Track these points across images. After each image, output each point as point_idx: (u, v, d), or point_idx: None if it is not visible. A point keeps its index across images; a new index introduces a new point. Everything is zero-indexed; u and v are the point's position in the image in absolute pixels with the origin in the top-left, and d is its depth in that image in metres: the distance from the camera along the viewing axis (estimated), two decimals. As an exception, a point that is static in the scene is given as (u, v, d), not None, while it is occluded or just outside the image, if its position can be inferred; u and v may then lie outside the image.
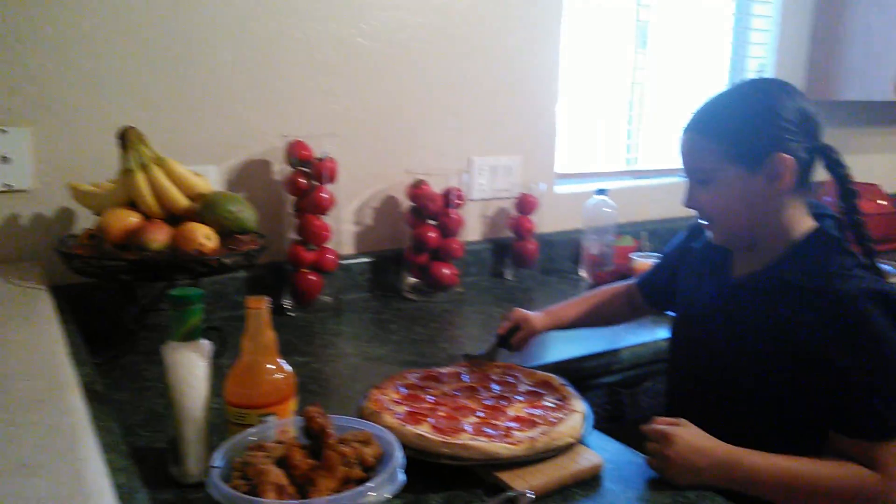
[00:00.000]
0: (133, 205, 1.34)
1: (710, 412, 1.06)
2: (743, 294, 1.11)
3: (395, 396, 1.10)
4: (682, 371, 1.25)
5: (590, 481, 0.96)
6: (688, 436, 0.96)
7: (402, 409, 1.05)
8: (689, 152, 1.11)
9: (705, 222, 1.14)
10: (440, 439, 0.94)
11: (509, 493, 0.82)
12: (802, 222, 1.09)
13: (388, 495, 0.77)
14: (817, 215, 1.12)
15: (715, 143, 1.06)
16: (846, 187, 1.09)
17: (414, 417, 1.02)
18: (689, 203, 1.13)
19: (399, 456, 0.82)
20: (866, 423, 0.98)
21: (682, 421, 0.99)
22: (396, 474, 0.79)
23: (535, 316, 1.35)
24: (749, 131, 1.04)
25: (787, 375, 1.04)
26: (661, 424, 0.98)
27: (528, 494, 0.77)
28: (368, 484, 0.76)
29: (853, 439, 0.99)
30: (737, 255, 1.17)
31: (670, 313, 1.35)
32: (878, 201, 2.56)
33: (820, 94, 2.74)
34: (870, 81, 2.58)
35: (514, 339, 1.32)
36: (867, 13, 2.58)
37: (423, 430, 0.97)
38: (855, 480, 0.96)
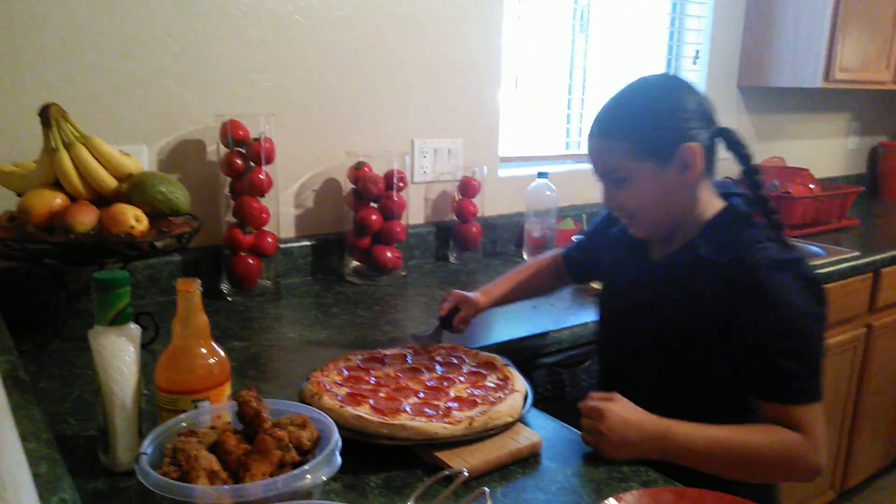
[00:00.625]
0: (58, 185, 1.28)
1: (640, 386, 1.09)
2: (662, 274, 1.15)
3: (337, 378, 1.09)
4: (612, 348, 1.28)
5: (529, 459, 0.97)
6: (619, 410, 0.98)
7: (343, 390, 1.05)
8: (599, 156, 1.13)
9: (627, 219, 1.16)
10: (379, 420, 0.94)
11: (445, 472, 0.82)
12: (712, 203, 1.13)
13: (324, 478, 0.76)
14: (725, 195, 1.16)
15: (624, 143, 1.08)
16: (748, 165, 1.12)
17: (354, 399, 1.02)
18: (610, 204, 1.15)
19: (336, 439, 0.81)
20: (780, 387, 1.01)
21: (615, 395, 1.01)
22: (333, 457, 0.78)
23: (473, 296, 1.36)
24: (654, 127, 1.07)
25: (707, 346, 1.08)
26: (595, 400, 1.00)
27: (463, 472, 0.77)
28: (304, 467, 0.75)
29: (771, 403, 1.02)
30: (652, 242, 1.20)
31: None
32: (809, 185, 2.65)
33: (753, 80, 2.83)
34: (800, 69, 2.67)
35: (456, 319, 1.33)
36: (796, 2, 2.66)
37: (363, 411, 0.97)
38: (782, 445, 1.00)
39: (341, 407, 0.97)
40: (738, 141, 1.12)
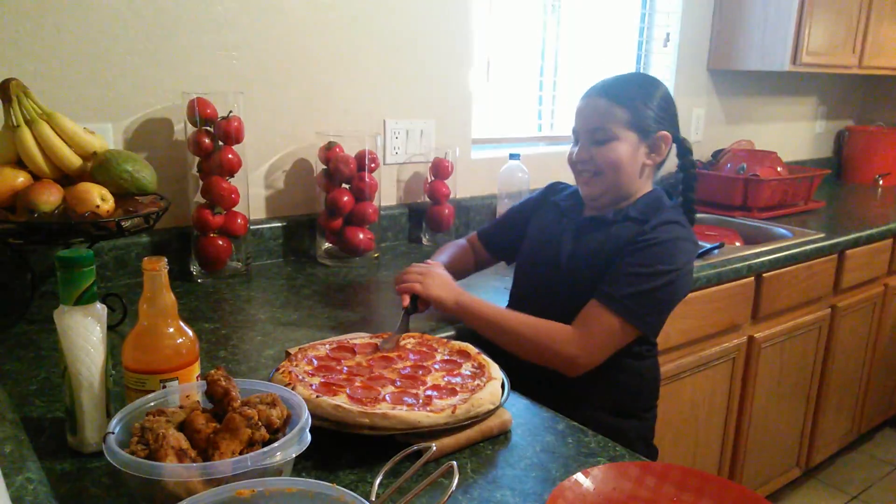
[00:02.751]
0: (20, 163, 1.25)
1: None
2: (589, 227, 1.34)
3: (308, 368, 1.06)
4: (524, 289, 1.44)
5: (499, 437, 0.98)
6: (440, 274, 1.33)
7: (316, 380, 1.01)
8: (596, 113, 1.30)
9: (590, 175, 1.31)
10: (358, 409, 0.91)
11: (414, 447, 0.82)
12: (647, 187, 1.35)
13: (294, 455, 0.76)
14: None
15: (624, 110, 1.27)
16: (689, 171, 1.40)
17: (329, 388, 0.99)
18: (583, 155, 1.32)
19: (306, 417, 0.81)
20: (604, 288, 1.22)
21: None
22: (303, 435, 0.78)
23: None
24: (650, 107, 1.28)
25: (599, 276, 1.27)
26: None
27: (432, 447, 0.78)
28: (274, 445, 0.75)
29: (594, 298, 1.22)
30: (589, 208, 1.38)
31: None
32: (777, 168, 2.69)
33: (723, 63, 2.85)
34: (768, 52, 2.70)
35: (420, 303, 1.33)
36: (766, -14, 2.68)
37: (340, 400, 0.94)
38: (547, 331, 1.22)
39: (317, 397, 0.93)
40: (689, 149, 1.39)
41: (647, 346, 1.33)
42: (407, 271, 1.35)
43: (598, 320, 1.21)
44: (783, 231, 2.37)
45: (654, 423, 1.41)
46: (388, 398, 0.98)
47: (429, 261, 1.45)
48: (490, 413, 0.98)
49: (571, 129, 1.36)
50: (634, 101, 1.27)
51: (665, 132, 1.29)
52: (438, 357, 1.14)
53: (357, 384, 1.02)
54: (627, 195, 1.33)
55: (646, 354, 1.34)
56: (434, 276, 1.32)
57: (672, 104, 1.32)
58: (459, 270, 1.50)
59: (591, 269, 1.27)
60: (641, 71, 2.78)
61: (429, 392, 1.01)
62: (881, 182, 3.40)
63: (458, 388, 1.02)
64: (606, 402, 1.30)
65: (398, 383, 1.04)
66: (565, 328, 1.22)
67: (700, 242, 2.12)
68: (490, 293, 1.59)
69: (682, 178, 1.39)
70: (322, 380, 1.02)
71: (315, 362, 1.09)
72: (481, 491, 0.85)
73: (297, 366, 1.06)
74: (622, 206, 1.32)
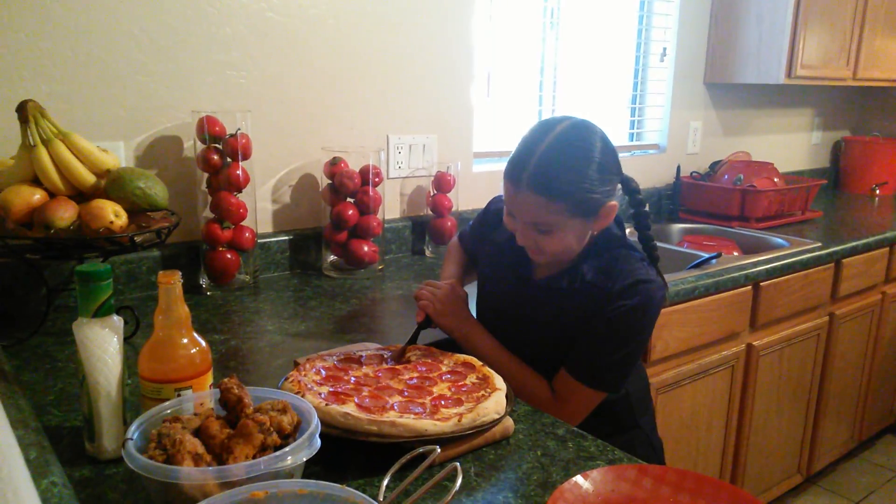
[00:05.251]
0: (36, 181, 1.30)
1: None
2: (543, 294, 1.27)
3: (316, 378, 1.08)
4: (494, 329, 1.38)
5: (500, 441, 1.01)
6: (456, 294, 1.32)
7: (325, 389, 1.03)
8: (531, 210, 1.16)
9: (537, 254, 1.23)
10: (367, 417, 0.93)
11: (419, 450, 0.85)
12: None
13: (304, 459, 0.79)
14: None
15: (561, 203, 1.14)
16: (639, 209, 1.29)
17: (338, 397, 1.01)
18: (528, 244, 1.21)
19: (316, 423, 0.84)
20: (576, 363, 1.21)
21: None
22: (313, 440, 0.82)
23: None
24: (587, 191, 1.14)
25: (566, 345, 1.24)
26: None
27: (436, 449, 0.81)
28: (285, 449, 0.79)
29: (563, 371, 1.22)
30: (538, 268, 1.31)
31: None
32: (773, 179, 2.73)
33: (719, 77, 2.90)
34: (763, 65, 2.74)
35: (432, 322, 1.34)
36: (759, 1, 2.73)
37: (349, 408, 0.96)
38: (533, 391, 1.23)
39: (327, 405, 0.95)
40: (636, 188, 1.28)
41: None
42: (424, 287, 1.34)
43: (574, 394, 1.21)
44: (780, 241, 2.40)
45: (653, 419, 1.43)
46: (395, 407, 0.99)
47: (442, 278, 1.45)
48: (495, 423, 1.00)
49: (504, 201, 1.22)
50: (571, 191, 1.13)
51: (612, 202, 1.18)
52: (444, 368, 1.15)
53: (365, 394, 1.03)
54: (576, 255, 1.25)
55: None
56: (447, 302, 1.30)
57: (609, 158, 1.17)
58: (469, 275, 1.51)
59: (558, 335, 1.25)
60: (636, 84, 2.83)
61: (435, 401, 1.02)
62: (878, 191, 3.43)
63: (463, 398, 1.04)
64: (604, 429, 1.21)
65: (405, 393, 1.05)
66: (547, 394, 1.23)
67: (697, 252, 2.16)
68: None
69: (632, 215, 1.30)
70: (331, 389, 1.04)
71: (323, 372, 1.10)
72: (484, 493, 0.88)
73: (305, 375, 1.07)
74: (573, 266, 1.24)
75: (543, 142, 1.15)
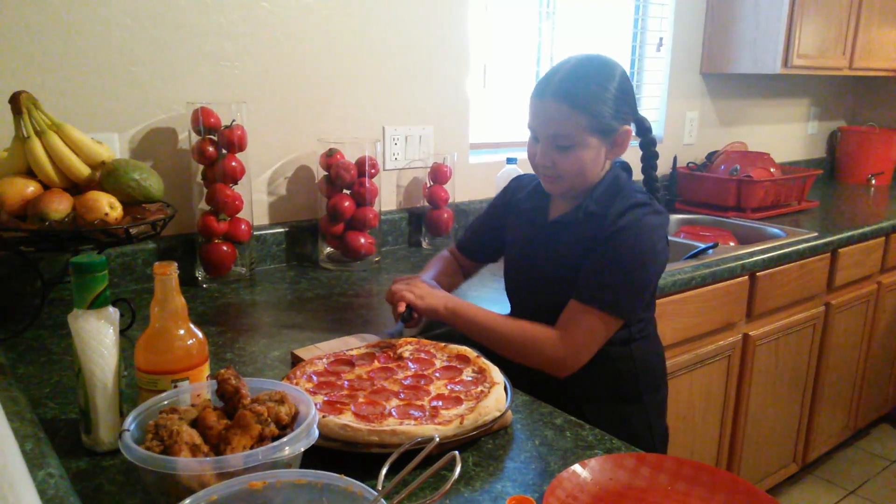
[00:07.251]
0: (30, 173, 1.29)
1: (539, 317, 1.27)
2: (556, 232, 1.33)
3: (308, 385, 1.04)
4: (515, 291, 1.45)
5: (499, 431, 1.01)
6: (427, 283, 1.35)
7: (319, 398, 1.00)
8: (555, 120, 1.22)
9: (552, 178, 1.28)
10: (367, 427, 0.90)
11: (417, 439, 0.85)
12: (605, 167, 1.30)
13: (302, 449, 0.79)
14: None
15: (585, 116, 1.20)
16: (650, 150, 1.38)
17: (333, 407, 0.97)
18: (545, 161, 1.26)
19: (313, 413, 0.84)
20: (583, 288, 1.22)
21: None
22: (311, 430, 0.82)
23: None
24: (611, 109, 1.21)
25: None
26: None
27: (434, 438, 0.81)
28: (283, 440, 0.78)
29: (573, 299, 1.22)
30: (553, 201, 1.37)
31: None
32: (770, 169, 2.73)
33: (715, 67, 2.90)
34: (759, 55, 2.74)
35: (413, 314, 1.33)
36: (756, -11, 2.72)
37: (346, 419, 0.93)
38: (532, 335, 1.23)
39: (324, 417, 0.91)
40: (649, 127, 1.37)
41: (633, 329, 1.31)
42: (395, 283, 1.36)
43: (577, 320, 1.21)
44: (776, 231, 2.40)
45: (662, 405, 1.41)
46: (394, 412, 0.97)
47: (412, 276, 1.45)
48: (497, 420, 0.98)
49: (528, 123, 1.30)
50: (593, 104, 1.20)
51: (627, 126, 1.25)
52: (438, 364, 1.13)
53: (361, 399, 1.00)
54: (590, 186, 1.30)
55: (636, 337, 1.32)
56: (421, 285, 1.33)
57: (628, 87, 1.26)
58: (449, 283, 1.49)
59: (567, 270, 1.27)
60: (633, 74, 2.82)
61: (434, 403, 1.00)
62: (874, 181, 3.44)
63: (462, 397, 1.02)
64: (602, 392, 1.29)
65: (402, 395, 1.02)
66: (549, 332, 1.22)
67: (694, 242, 2.16)
68: (489, 293, 1.62)
69: (642, 155, 1.38)
70: (325, 398, 1.00)
71: (315, 378, 1.06)
72: (482, 482, 0.88)
73: (296, 384, 1.03)
74: (581, 202, 1.29)
75: (570, 62, 1.24)
